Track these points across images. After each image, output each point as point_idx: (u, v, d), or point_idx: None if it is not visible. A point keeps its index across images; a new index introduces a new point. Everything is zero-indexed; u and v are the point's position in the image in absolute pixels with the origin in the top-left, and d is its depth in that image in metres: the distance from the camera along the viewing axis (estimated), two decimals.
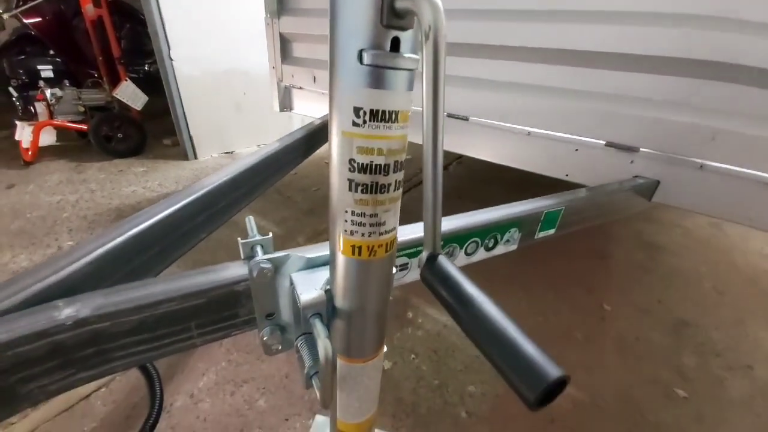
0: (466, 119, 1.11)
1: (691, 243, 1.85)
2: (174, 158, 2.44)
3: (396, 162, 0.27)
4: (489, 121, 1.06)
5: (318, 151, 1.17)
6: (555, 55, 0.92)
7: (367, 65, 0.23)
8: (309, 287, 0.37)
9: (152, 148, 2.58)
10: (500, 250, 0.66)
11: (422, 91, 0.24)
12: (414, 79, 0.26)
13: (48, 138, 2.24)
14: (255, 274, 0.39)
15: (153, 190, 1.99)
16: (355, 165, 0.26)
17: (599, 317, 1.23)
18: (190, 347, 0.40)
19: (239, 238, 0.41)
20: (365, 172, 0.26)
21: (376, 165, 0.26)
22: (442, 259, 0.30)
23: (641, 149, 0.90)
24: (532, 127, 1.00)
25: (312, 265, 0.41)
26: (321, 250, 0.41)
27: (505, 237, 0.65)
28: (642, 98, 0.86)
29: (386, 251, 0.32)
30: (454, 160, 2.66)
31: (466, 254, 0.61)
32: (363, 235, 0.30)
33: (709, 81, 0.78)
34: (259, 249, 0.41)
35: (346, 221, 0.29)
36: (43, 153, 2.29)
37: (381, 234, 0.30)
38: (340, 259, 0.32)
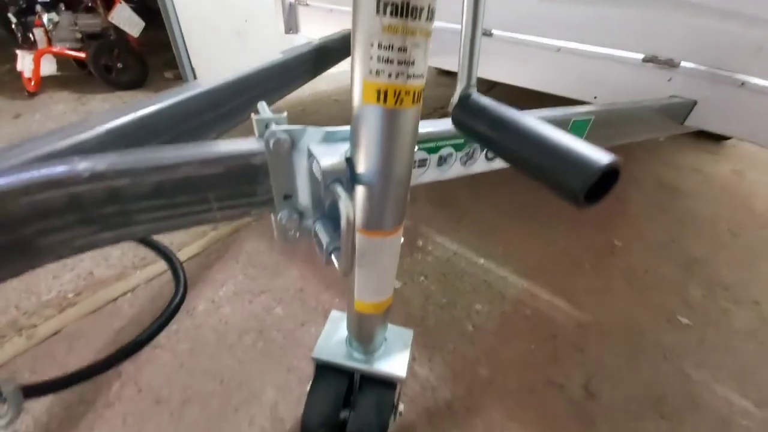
0: (489, 34, 1.02)
1: (710, 188, 1.79)
2: None
3: None
4: (515, 35, 0.97)
5: (323, 88, 1.10)
6: None
7: None
8: (329, 155, 0.36)
9: (154, 81, 2.48)
10: None
11: None
12: None
13: (49, 67, 2.17)
14: (272, 144, 0.37)
15: None
16: None
17: (609, 252, 1.23)
18: (210, 220, 0.40)
19: (252, 114, 0.39)
20: None
21: None
22: (476, 95, 0.27)
23: (681, 64, 0.82)
24: (563, 41, 0.91)
25: (331, 139, 0.39)
26: (339, 129, 0.39)
27: None
28: (687, 2, 0.77)
29: (413, 102, 0.29)
30: None
31: (487, 158, 0.58)
32: (390, 75, 0.27)
33: None
34: (273, 124, 0.39)
35: (371, 58, 0.27)
36: (45, 84, 2.24)
37: (409, 77, 0.28)
38: (363, 111, 0.30)
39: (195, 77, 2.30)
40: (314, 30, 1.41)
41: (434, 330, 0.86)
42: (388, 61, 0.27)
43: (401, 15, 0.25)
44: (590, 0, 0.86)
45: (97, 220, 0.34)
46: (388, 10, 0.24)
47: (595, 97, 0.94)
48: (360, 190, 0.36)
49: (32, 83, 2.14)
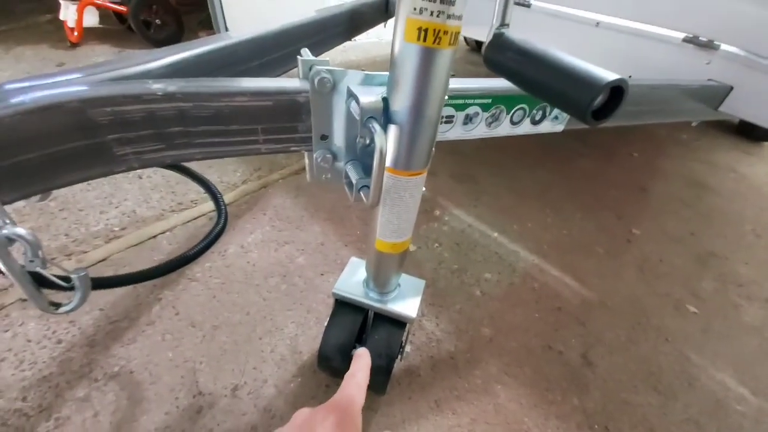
0: (528, 5, 1.00)
1: (742, 188, 1.73)
2: None
3: None
4: (555, 7, 0.96)
5: (353, 58, 1.11)
6: None
7: None
8: (367, 95, 0.39)
9: (189, 40, 2.53)
10: (546, 127, 0.65)
11: None
12: None
13: (91, 19, 2.24)
14: (316, 82, 0.41)
15: None
16: None
17: (625, 240, 1.24)
18: (256, 152, 0.45)
19: (298, 56, 0.43)
20: None
21: None
22: (508, 34, 0.30)
23: (722, 47, 0.80)
24: (603, 16, 0.90)
25: (369, 82, 0.43)
26: (379, 73, 0.43)
27: (554, 112, 0.63)
28: None
29: (450, 43, 0.33)
30: None
31: (512, 122, 0.60)
32: (432, 13, 0.30)
33: None
34: (317, 66, 0.42)
35: None
36: (86, 36, 2.31)
37: (449, 17, 0.31)
38: (403, 48, 0.33)
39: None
40: None
41: (443, 291, 0.91)
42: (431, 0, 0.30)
43: None
44: None
45: (165, 137, 0.39)
46: None
47: (630, 76, 0.93)
48: (392, 130, 0.39)
49: (75, 33, 2.23)
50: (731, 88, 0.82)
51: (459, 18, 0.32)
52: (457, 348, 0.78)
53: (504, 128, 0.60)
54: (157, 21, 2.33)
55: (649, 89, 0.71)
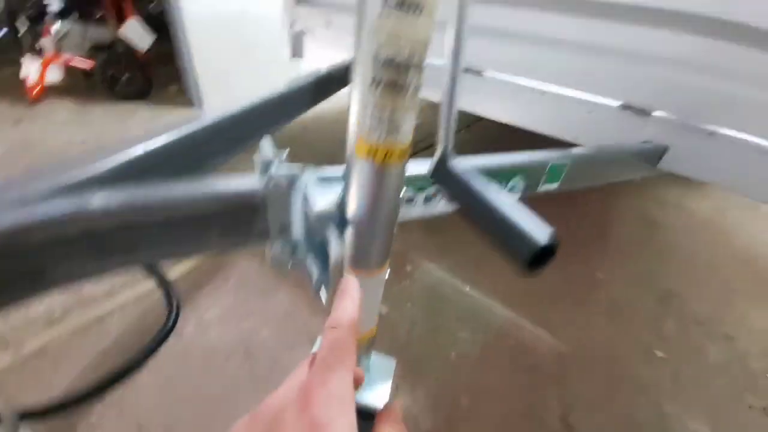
0: (480, 74, 1.09)
1: (691, 224, 1.86)
2: (180, 105, 2.41)
3: (418, 60, 0.28)
4: (504, 76, 1.04)
5: (325, 107, 1.15)
6: (574, 5, 0.89)
7: None
8: (322, 198, 0.39)
9: (158, 94, 2.53)
10: None
11: None
12: None
13: (54, 75, 2.20)
14: (270, 186, 0.41)
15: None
16: (380, 59, 0.27)
17: (591, 284, 1.28)
18: (208, 252, 0.43)
19: (255, 155, 0.43)
20: (389, 66, 0.27)
21: (398, 61, 0.27)
22: (453, 160, 0.31)
23: (654, 113, 0.89)
24: (548, 85, 0.98)
25: (325, 180, 0.43)
26: (335, 170, 0.43)
27: (510, 184, 0.66)
28: (662, 57, 0.84)
29: (400, 159, 0.33)
30: (462, 127, 2.62)
31: None
32: (380, 136, 0.31)
33: (729, 43, 0.76)
34: (274, 164, 0.42)
35: (365, 121, 0.31)
36: (48, 92, 2.26)
37: (397, 138, 0.32)
38: (356, 164, 0.34)
39: (199, 92, 2.35)
40: (318, 56, 1.48)
41: (418, 358, 0.88)
42: (379, 122, 0.31)
43: (391, 89, 0.29)
44: (571, 48, 0.94)
45: (105, 249, 0.37)
46: (381, 85, 0.29)
47: (577, 138, 1.00)
48: (349, 233, 0.39)
49: (36, 90, 2.17)
50: (667, 148, 0.90)
51: (408, 135, 0.33)
52: (435, 424, 0.75)
53: None
54: (125, 76, 2.32)
55: (591, 157, 0.76)
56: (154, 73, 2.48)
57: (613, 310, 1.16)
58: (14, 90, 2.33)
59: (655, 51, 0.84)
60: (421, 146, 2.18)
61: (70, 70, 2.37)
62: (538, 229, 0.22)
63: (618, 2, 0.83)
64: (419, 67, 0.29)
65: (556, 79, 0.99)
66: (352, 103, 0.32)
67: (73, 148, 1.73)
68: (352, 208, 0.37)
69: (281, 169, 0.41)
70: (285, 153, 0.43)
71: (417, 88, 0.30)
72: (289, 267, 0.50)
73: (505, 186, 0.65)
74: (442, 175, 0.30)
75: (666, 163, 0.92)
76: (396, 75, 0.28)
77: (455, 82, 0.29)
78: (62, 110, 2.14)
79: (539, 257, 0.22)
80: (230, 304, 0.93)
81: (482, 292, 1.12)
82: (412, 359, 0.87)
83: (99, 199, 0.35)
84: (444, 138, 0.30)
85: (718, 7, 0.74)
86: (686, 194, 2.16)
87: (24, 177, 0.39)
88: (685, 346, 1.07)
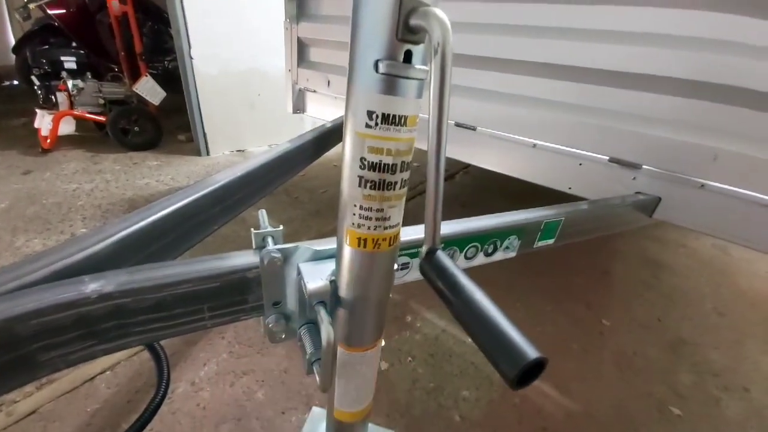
0: (473, 129, 1.14)
1: (694, 263, 1.84)
2: (187, 154, 2.50)
3: (403, 162, 0.30)
4: (496, 132, 1.09)
5: (327, 154, 1.20)
6: (562, 71, 0.95)
7: (381, 74, 0.26)
8: (315, 277, 0.40)
9: (167, 143, 2.64)
10: (499, 256, 0.68)
11: (429, 99, 0.27)
12: (423, 88, 0.29)
13: (67, 128, 2.31)
14: (266, 262, 0.41)
15: (166, 183, 2.04)
16: (366, 163, 0.29)
17: (598, 332, 1.24)
18: (201, 328, 0.43)
19: (252, 229, 0.44)
20: (374, 170, 0.29)
21: (384, 164, 0.29)
22: (440, 254, 0.32)
23: (644, 166, 0.91)
24: (538, 140, 1.02)
25: (319, 257, 0.43)
26: (328, 244, 0.44)
27: (505, 244, 0.67)
28: (646, 116, 0.88)
29: (389, 245, 0.34)
30: (461, 169, 2.68)
31: (466, 258, 0.63)
32: (369, 228, 0.32)
33: (711, 102, 0.80)
34: (270, 240, 0.43)
35: (354, 215, 0.32)
36: (60, 142, 2.36)
37: (386, 228, 0.33)
38: (346, 251, 0.35)
39: (206, 142, 2.46)
40: (319, 111, 1.56)
41: (420, 421, 0.84)
42: (367, 218, 0.32)
43: (378, 189, 0.30)
44: (559, 107, 0.99)
45: (97, 334, 0.37)
46: (368, 185, 0.30)
47: (570, 188, 1.03)
48: (341, 311, 0.39)
49: (48, 141, 2.27)
50: (659, 199, 0.91)
51: (397, 225, 0.34)
52: None
53: (460, 264, 0.62)
54: (136, 128, 2.44)
55: (585, 212, 0.78)
56: (163, 122, 2.60)
57: (622, 360, 1.12)
58: (25, 139, 2.44)
59: (639, 110, 0.89)
60: (421, 189, 2.23)
61: (81, 121, 2.49)
62: (526, 346, 0.22)
63: (602, 68, 0.89)
64: (405, 165, 0.31)
65: (546, 135, 1.03)
66: (341, 193, 0.33)
67: (81, 197, 1.77)
68: (344, 288, 0.38)
69: (276, 246, 0.42)
70: (280, 228, 0.44)
71: (404, 181, 0.32)
72: (283, 337, 0.49)
73: (501, 245, 0.66)
74: (429, 272, 0.31)
75: (660, 214, 0.93)
76: (382, 176, 0.30)
77: (439, 183, 0.30)
78: (73, 160, 2.22)
79: (528, 373, 0.22)
80: (224, 363, 0.90)
81: None
82: (413, 423, 0.83)
83: (95, 284, 0.36)
84: (431, 237, 0.31)
85: (698, 71, 0.79)
86: (687, 232, 2.16)
87: (21, 262, 0.39)
88: (702, 402, 1.01)
